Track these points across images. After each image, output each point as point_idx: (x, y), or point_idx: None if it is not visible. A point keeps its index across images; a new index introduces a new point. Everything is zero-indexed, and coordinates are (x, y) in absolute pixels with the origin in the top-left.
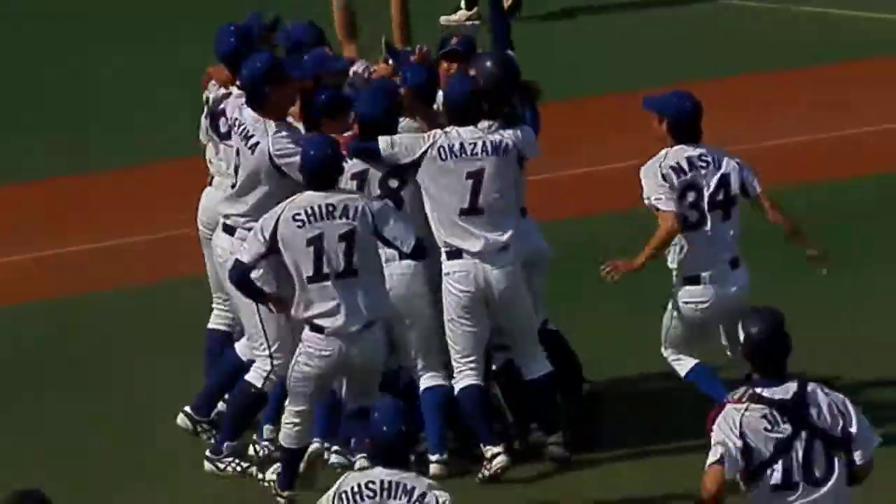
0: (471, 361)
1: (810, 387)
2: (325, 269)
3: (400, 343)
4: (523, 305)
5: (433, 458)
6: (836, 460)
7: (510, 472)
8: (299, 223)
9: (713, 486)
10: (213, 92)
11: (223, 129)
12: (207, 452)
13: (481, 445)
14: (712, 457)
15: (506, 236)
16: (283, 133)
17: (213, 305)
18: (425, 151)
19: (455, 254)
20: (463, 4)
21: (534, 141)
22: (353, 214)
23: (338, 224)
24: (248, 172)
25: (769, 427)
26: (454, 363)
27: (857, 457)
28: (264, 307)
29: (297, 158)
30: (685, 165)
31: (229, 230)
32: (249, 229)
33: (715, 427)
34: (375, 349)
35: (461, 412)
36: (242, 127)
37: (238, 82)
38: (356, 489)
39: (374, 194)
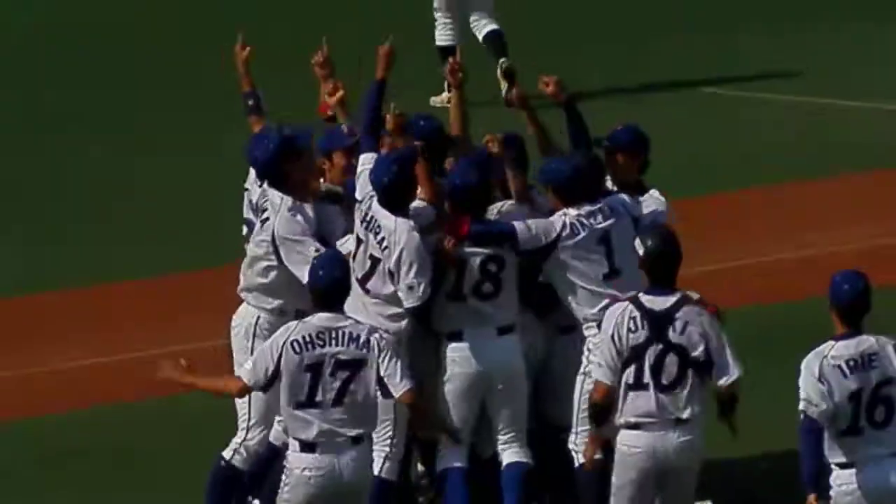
0: None
1: (687, 305)
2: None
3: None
4: None
5: None
6: (689, 372)
7: None
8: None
9: (599, 397)
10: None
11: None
12: None
13: None
14: (596, 371)
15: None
16: (297, 215)
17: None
18: (560, 232)
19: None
20: (446, 85)
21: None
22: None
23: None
24: (251, 246)
25: (632, 329)
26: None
27: (716, 379)
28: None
29: (300, 247)
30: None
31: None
32: (255, 304)
33: (602, 328)
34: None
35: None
36: (264, 200)
37: (253, 167)
38: (307, 338)
39: (473, 279)
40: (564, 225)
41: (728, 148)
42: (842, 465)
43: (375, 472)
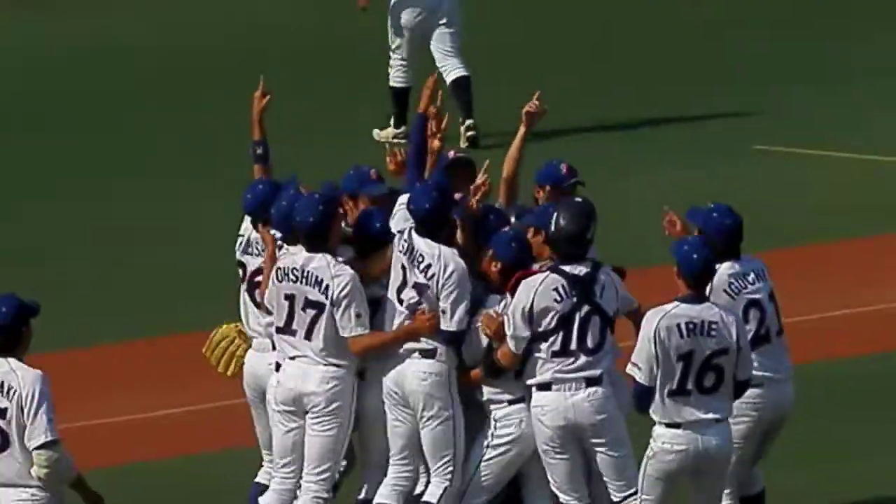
0: None
1: (602, 269)
2: None
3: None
4: None
5: None
6: (608, 333)
7: None
8: None
9: (506, 361)
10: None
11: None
12: None
13: None
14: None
15: None
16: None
17: (263, 462)
18: None
19: None
20: (392, 122)
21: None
22: None
23: None
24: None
25: (558, 299)
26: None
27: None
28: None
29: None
30: None
31: None
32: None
33: (514, 300)
34: None
35: None
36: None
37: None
38: (284, 269)
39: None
40: None
41: (779, 204)
42: (668, 425)
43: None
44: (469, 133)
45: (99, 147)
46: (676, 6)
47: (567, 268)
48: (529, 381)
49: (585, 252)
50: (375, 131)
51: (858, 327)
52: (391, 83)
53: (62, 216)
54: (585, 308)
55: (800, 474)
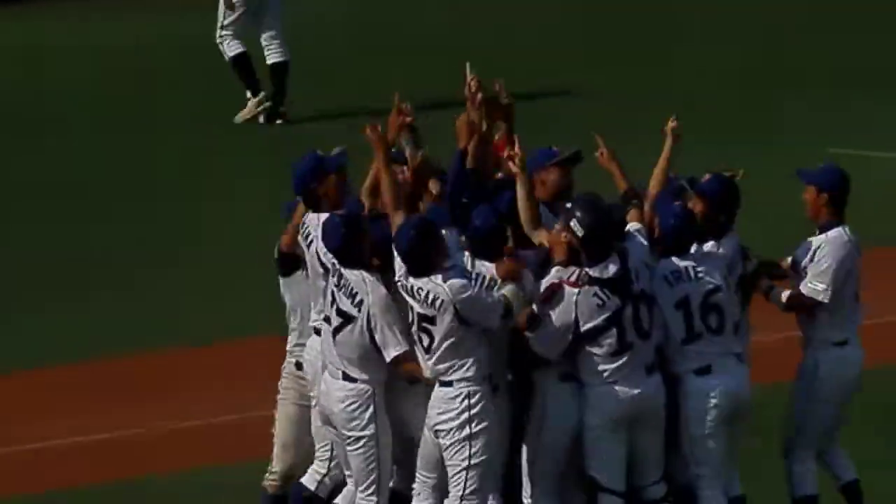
0: None
1: (629, 257)
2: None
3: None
4: None
5: None
6: (656, 315)
7: None
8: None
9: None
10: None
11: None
12: None
13: None
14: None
15: None
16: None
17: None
18: None
19: None
20: (249, 95)
21: None
22: None
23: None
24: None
25: (600, 302)
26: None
27: None
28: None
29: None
30: None
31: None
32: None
33: (550, 308)
34: None
35: None
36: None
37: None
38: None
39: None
40: None
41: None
42: (697, 372)
43: None
44: (262, 107)
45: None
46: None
47: (597, 272)
48: (588, 378)
49: (612, 245)
50: (237, 116)
51: None
52: (228, 55)
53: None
54: (629, 304)
55: None
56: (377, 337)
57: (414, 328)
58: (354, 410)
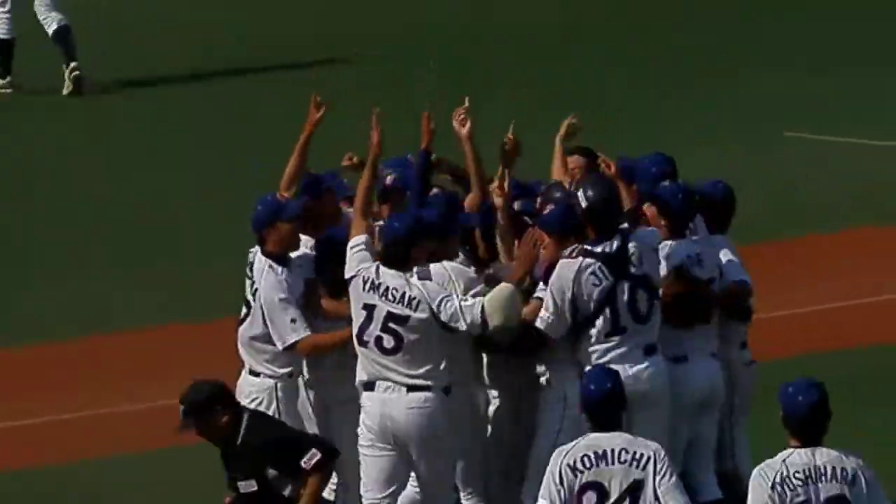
0: None
1: (631, 239)
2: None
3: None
4: None
5: None
6: (656, 300)
7: None
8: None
9: (530, 313)
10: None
11: None
12: None
13: None
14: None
15: None
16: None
17: None
18: None
19: None
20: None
21: None
22: None
23: None
24: None
25: (597, 282)
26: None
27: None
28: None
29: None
30: None
31: None
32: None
33: (550, 284)
34: None
35: None
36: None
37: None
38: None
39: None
40: None
41: (807, 192)
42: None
43: None
44: (74, 74)
45: None
46: None
47: (598, 248)
48: (584, 360)
49: (617, 224)
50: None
51: None
52: None
53: None
54: (626, 284)
55: None
56: (269, 326)
57: (372, 329)
58: (259, 406)
